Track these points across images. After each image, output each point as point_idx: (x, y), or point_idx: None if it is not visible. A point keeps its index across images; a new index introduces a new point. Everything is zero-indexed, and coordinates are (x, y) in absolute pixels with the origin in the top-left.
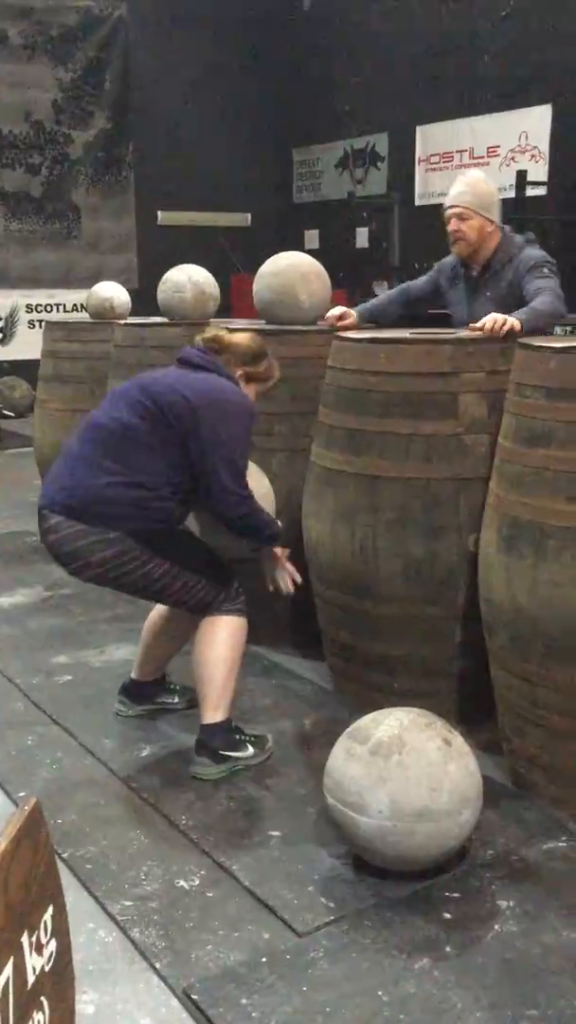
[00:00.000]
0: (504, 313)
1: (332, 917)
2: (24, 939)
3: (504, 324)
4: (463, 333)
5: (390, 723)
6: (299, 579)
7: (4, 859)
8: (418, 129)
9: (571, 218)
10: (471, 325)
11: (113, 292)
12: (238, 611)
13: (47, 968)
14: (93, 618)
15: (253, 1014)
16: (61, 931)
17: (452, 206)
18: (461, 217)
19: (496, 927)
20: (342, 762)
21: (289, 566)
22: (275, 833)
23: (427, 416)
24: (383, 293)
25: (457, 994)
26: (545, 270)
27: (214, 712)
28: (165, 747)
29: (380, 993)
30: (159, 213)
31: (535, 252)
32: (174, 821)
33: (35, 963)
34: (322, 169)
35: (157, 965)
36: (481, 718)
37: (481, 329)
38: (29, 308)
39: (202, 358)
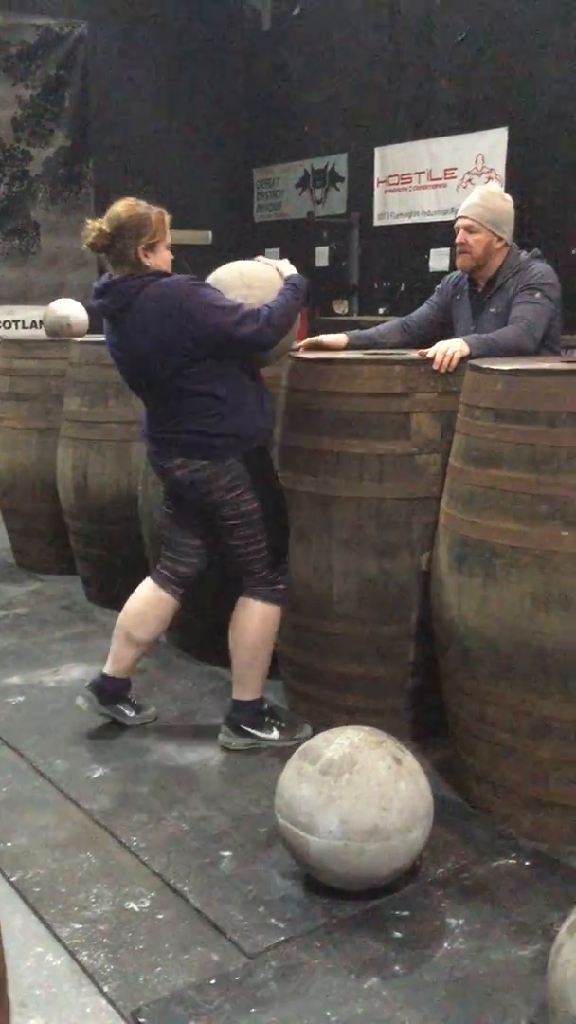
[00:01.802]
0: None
1: (282, 938)
2: None
3: (452, 359)
4: (414, 354)
5: (341, 742)
6: None
7: None
8: (377, 150)
9: (525, 241)
10: (420, 352)
11: (70, 310)
12: (274, 598)
13: None
14: (48, 638)
15: None
16: None
17: (461, 217)
18: (469, 230)
19: (445, 945)
20: (293, 782)
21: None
22: (226, 853)
23: (380, 436)
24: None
25: (406, 1013)
26: (538, 294)
27: (242, 691)
28: (117, 768)
29: (328, 1014)
30: None
31: (538, 269)
32: (125, 843)
33: None
34: (282, 188)
35: (105, 988)
36: (435, 736)
37: (431, 359)
38: None
39: (120, 292)
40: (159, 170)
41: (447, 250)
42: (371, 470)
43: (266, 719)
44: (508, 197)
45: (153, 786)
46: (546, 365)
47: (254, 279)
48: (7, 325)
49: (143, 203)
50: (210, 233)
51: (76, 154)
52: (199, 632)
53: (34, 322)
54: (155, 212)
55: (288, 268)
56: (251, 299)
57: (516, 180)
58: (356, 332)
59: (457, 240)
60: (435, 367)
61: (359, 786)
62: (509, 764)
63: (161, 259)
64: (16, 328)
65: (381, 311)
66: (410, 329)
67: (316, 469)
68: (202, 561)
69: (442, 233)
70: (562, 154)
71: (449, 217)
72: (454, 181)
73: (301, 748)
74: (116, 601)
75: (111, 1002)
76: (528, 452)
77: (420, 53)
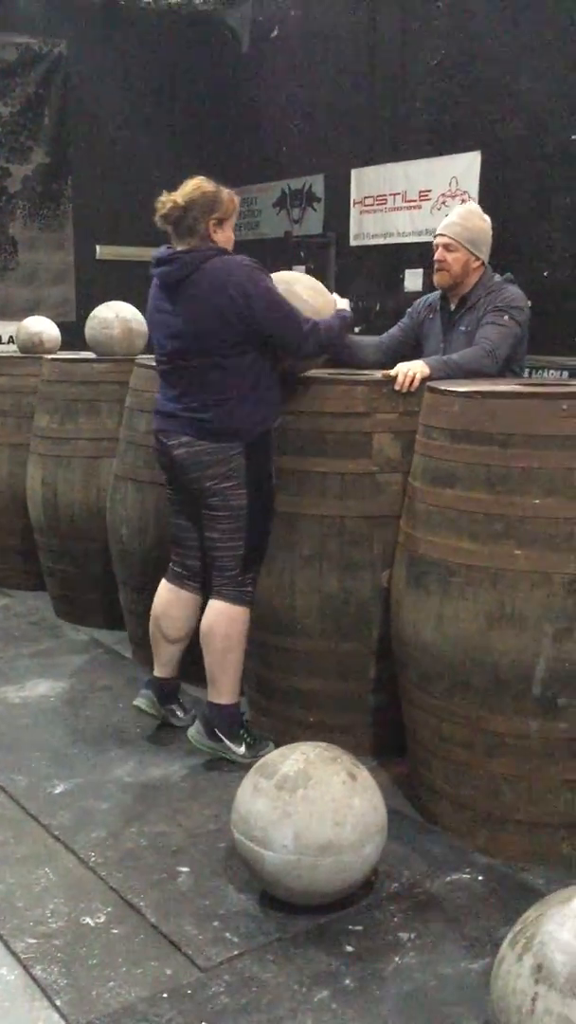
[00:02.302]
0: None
1: (236, 952)
2: None
3: (412, 379)
4: (378, 375)
5: (296, 757)
6: None
7: None
8: (353, 172)
9: (498, 262)
10: (383, 372)
11: (43, 327)
12: (241, 599)
13: None
14: (15, 653)
15: None
16: None
17: (440, 235)
18: (448, 247)
19: (396, 959)
20: (248, 796)
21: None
22: (184, 869)
23: (342, 455)
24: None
25: None
26: (505, 317)
27: (216, 694)
28: (78, 784)
29: None
30: (97, 247)
31: (509, 292)
32: (83, 858)
33: None
34: (260, 208)
35: (58, 1002)
36: (395, 752)
37: (393, 379)
38: None
39: (181, 267)
40: (138, 188)
41: (421, 271)
42: (333, 489)
43: (240, 732)
44: (487, 217)
45: (113, 802)
46: (501, 387)
47: (313, 289)
48: None
49: (213, 182)
50: None
51: (55, 171)
52: None
53: (11, 337)
54: (225, 192)
55: (343, 302)
56: (304, 307)
57: (489, 202)
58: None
59: (435, 257)
60: (396, 387)
61: (313, 801)
62: (464, 780)
63: (227, 237)
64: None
65: (357, 330)
66: (383, 348)
67: (280, 487)
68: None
69: (417, 254)
70: (534, 177)
71: (424, 238)
72: (428, 203)
73: (258, 763)
74: (84, 617)
75: (63, 1016)
76: (483, 472)
77: (396, 77)
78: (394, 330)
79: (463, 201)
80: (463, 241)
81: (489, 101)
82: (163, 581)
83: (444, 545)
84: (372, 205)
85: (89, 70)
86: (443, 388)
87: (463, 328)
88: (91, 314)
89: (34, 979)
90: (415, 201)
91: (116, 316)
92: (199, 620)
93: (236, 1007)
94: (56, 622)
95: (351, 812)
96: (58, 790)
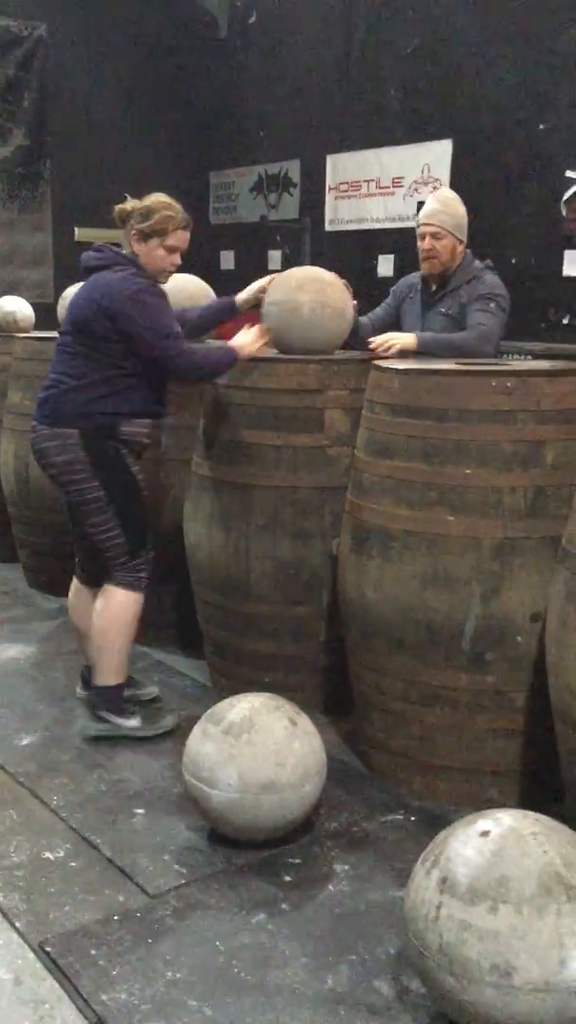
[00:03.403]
0: (460, 326)
1: (183, 881)
2: None
3: (389, 347)
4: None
5: (242, 706)
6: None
7: None
8: (328, 158)
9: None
10: (368, 340)
11: (16, 306)
12: (133, 584)
13: None
14: None
15: (100, 962)
16: None
17: (427, 224)
18: (436, 236)
19: (330, 887)
20: (198, 741)
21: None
22: (139, 811)
23: (296, 429)
24: None
25: (287, 943)
26: (492, 305)
27: (98, 675)
28: (44, 737)
29: (217, 943)
30: (76, 229)
31: (491, 280)
32: (46, 801)
33: None
34: (237, 192)
35: (17, 924)
36: (345, 710)
37: (374, 347)
38: None
39: (96, 258)
40: (117, 171)
41: (392, 256)
42: (287, 461)
43: (125, 706)
44: (461, 201)
45: (76, 752)
46: (437, 365)
47: (306, 281)
48: None
49: (173, 203)
50: None
51: (34, 153)
52: None
53: None
54: (166, 211)
55: (244, 336)
56: (303, 299)
57: (460, 190)
58: None
59: (423, 247)
60: (371, 347)
61: (256, 744)
62: (401, 730)
63: (150, 254)
64: None
65: None
66: (373, 326)
67: (237, 459)
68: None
69: (389, 240)
70: (504, 165)
71: (396, 224)
72: (401, 190)
73: (208, 712)
74: (55, 587)
75: (21, 935)
76: (420, 445)
77: (370, 65)
78: (379, 310)
79: (435, 188)
80: (450, 228)
81: (460, 90)
82: (73, 579)
83: (384, 512)
84: (346, 191)
85: (69, 53)
86: (385, 366)
87: (442, 310)
88: (63, 294)
89: None
90: (388, 188)
91: None
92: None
93: (180, 927)
94: (28, 592)
95: (291, 754)
96: (24, 742)
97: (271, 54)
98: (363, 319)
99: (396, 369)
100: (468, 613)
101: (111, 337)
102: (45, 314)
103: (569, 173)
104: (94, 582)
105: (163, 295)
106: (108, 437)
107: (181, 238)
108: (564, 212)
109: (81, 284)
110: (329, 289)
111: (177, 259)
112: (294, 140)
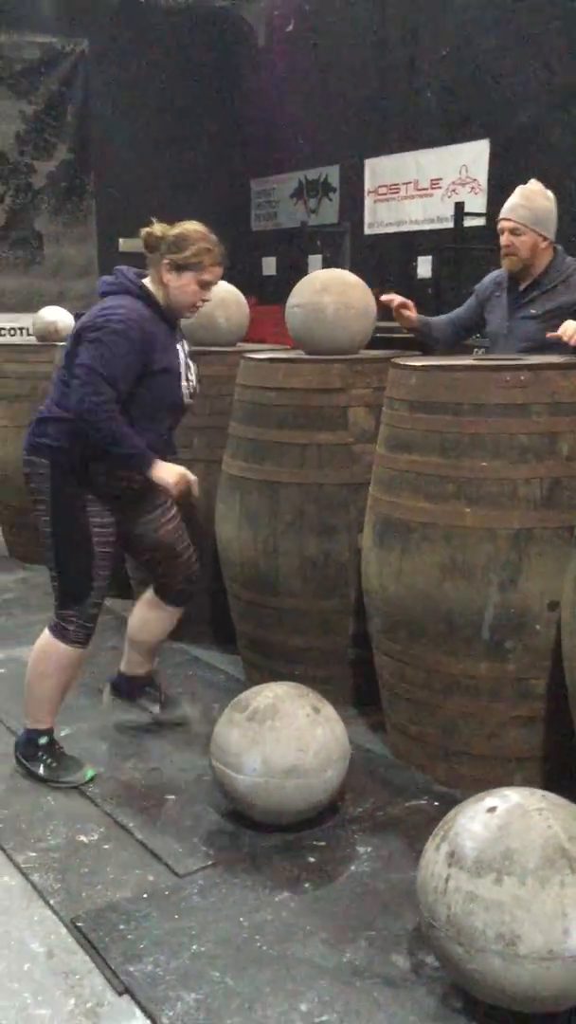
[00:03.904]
0: (553, 328)
1: (211, 862)
2: None
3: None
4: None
5: (266, 694)
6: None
7: None
8: (367, 162)
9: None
10: (549, 334)
11: (57, 316)
12: (56, 631)
13: None
14: (31, 619)
15: (128, 936)
16: None
17: (505, 219)
18: (514, 232)
19: (352, 868)
20: (224, 728)
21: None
22: (171, 797)
23: (320, 427)
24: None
25: (308, 919)
26: None
27: (24, 716)
28: (82, 728)
29: (241, 919)
30: (120, 240)
31: None
32: (82, 789)
33: None
34: (278, 199)
35: (51, 902)
36: (373, 701)
37: (560, 336)
38: None
39: (107, 283)
40: (160, 181)
41: (431, 258)
42: (312, 458)
43: (38, 753)
44: (551, 195)
45: (112, 743)
46: (452, 362)
47: (329, 283)
48: (12, 332)
49: (208, 234)
50: None
51: (78, 167)
52: None
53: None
54: (203, 243)
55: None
56: (327, 300)
57: (497, 189)
58: (421, 317)
59: (502, 242)
60: (566, 340)
61: (280, 731)
62: (424, 718)
63: (183, 288)
64: (22, 335)
65: None
66: (456, 325)
67: (263, 457)
68: (148, 567)
69: (428, 241)
70: (539, 163)
71: (436, 225)
72: (440, 191)
73: (234, 700)
74: None
75: (55, 912)
76: (436, 439)
77: (406, 69)
78: (461, 309)
79: (473, 189)
80: (529, 223)
81: (496, 90)
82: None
83: (404, 505)
84: (385, 194)
85: (110, 67)
86: (403, 363)
87: (533, 311)
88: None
89: (32, 884)
90: (427, 189)
91: None
92: (158, 627)
93: (206, 905)
94: None
95: (314, 740)
96: (63, 733)
97: (309, 62)
98: (443, 319)
99: (413, 366)
100: (486, 603)
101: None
102: None
103: None
104: (155, 590)
105: (136, 339)
106: (76, 476)
107: (216, 274)
108: None
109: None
110: (352, 291)
111: (209, 295)
112: (333, 145)
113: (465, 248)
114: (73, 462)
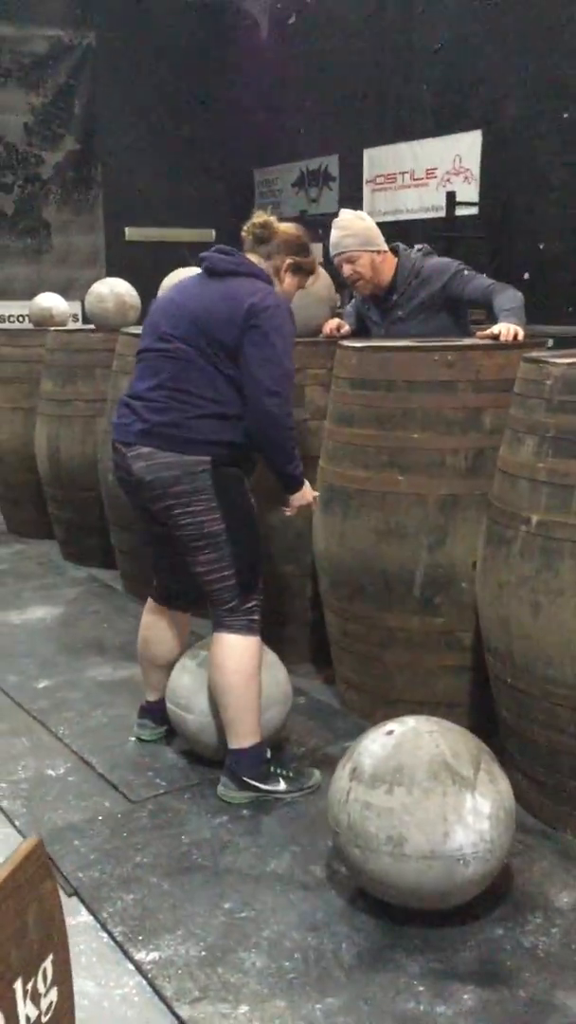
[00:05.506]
0: (426, 321)
1: (162, 791)
2: (18, 986)
3: (516, 335)
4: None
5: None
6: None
7: None
8: (365, 152)
9: (498, 235)
10: (479, 333)
11: (53, 302)
12: (246, 628)
13: (44, 1019)
14: (22, 587)
15: (81, 849)
16: (62, 980)
17: (337, 255)
18: (350, 260)
19: (287, 797)
20: (177, 674)
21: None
22: (133, 738)
23: None
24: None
25: (240, 838)
26: (465, 272)
27: (235, 737)
28: (59, 681)
29: (183, 837)
30: (126, 229)
31: (440, 260)
32: (53, 731)
33: (29, 1012)
34: (281, 188)
35: (16, 823)
36: (326, 658)
37: (495, 336)
38: (1, 318)
39: (228, 261)
40: (165, 172)
41: (426, 246)
42: None
43: (271, 769)
44: (363, 214)
45: (85, 693)
46: (388, 343)
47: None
48: (21, 319)
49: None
50: (213, 231)
51: (85, 157)
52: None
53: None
54: (312, 254)
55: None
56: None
57: (490, 178)
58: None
59: (344, 275)
60: (502, 340)
61: None
62: (365, 669)
63: (291, 289)
64: (28, 321)
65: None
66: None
67: None
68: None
69: (423, 230)
70: (532, 154)
71: (430, 214)
72: (435, 180)
73: (189, 650)
74: (85, 558)
75: (18, 830)
76: (373, 413)
77: (403, 61)
78: (349, 310)
79: (466, 178)
80: (357, 247)
81: (488, 82)
82: (148, 602)
83: (345, 474)
84: (382, 183)
85: (117, 59)
86: (346, 344)
87: (401, 314)
88: (89, 290)
89: (1, 809)
90: (423, 179)
91: (111, 291)
92: (184, 642)
93: (153, 825)
94: (62, 563)
95: None
96: (41, 685)
97: (310, 53)
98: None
99: (355, 347)
100: (418, 562)
101: (231, 348)
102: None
103: None
104: (176, 604)
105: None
106: (234, 464)
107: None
108: None
109: (177, 286)
110: (317, 281)
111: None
112: (333, 135)
113: (457, 236)
114: (235, 456)
